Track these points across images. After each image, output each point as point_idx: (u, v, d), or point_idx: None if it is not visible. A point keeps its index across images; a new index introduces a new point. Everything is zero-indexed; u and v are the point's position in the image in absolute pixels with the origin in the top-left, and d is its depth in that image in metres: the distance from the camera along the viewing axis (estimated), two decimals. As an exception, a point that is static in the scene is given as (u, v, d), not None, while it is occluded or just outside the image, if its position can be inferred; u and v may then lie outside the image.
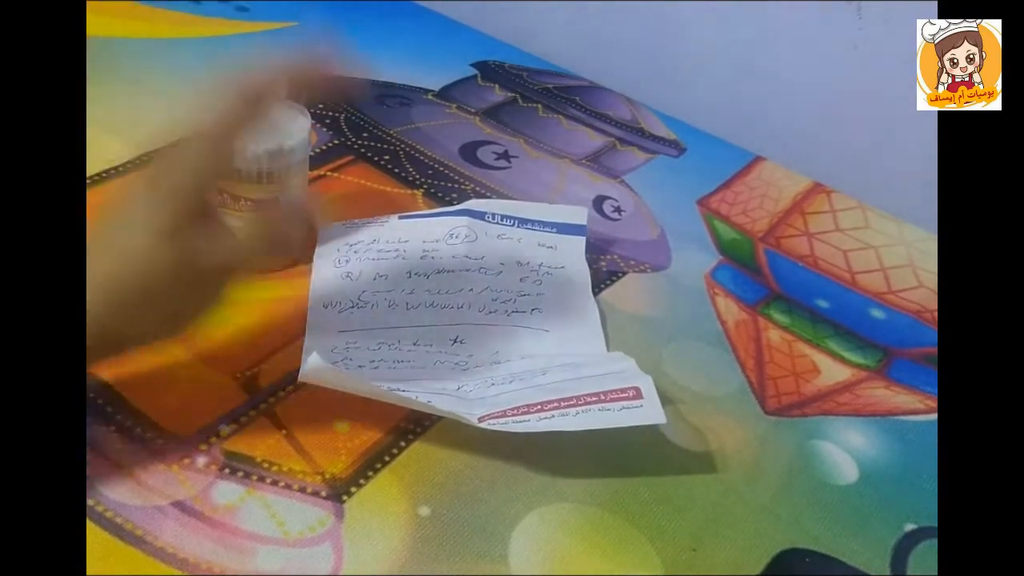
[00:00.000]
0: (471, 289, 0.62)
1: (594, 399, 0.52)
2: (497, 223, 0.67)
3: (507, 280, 0.63)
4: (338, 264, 0.64)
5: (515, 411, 0.51)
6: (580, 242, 0.67)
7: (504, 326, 0.61)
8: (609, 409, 0.51)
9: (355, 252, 0.64)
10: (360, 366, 0.56)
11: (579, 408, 0.51)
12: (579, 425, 0.50)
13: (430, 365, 0.57)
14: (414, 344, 0.59)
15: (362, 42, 0.91)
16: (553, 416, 0.51)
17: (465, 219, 0.66)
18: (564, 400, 0.52)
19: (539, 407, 0.51)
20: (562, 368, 0.56)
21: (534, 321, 0.61)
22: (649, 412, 0.51)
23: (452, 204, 0.71)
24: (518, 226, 0.67)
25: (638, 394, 0.52)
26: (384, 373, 0.56)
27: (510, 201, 0.70)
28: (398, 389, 0.53)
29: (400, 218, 0.67)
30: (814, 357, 0.64)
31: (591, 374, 0.55)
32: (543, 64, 0.93)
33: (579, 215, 0.68)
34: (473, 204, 0.67)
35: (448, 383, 0.55)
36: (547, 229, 0.67)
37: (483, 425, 0.51)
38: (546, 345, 0.60)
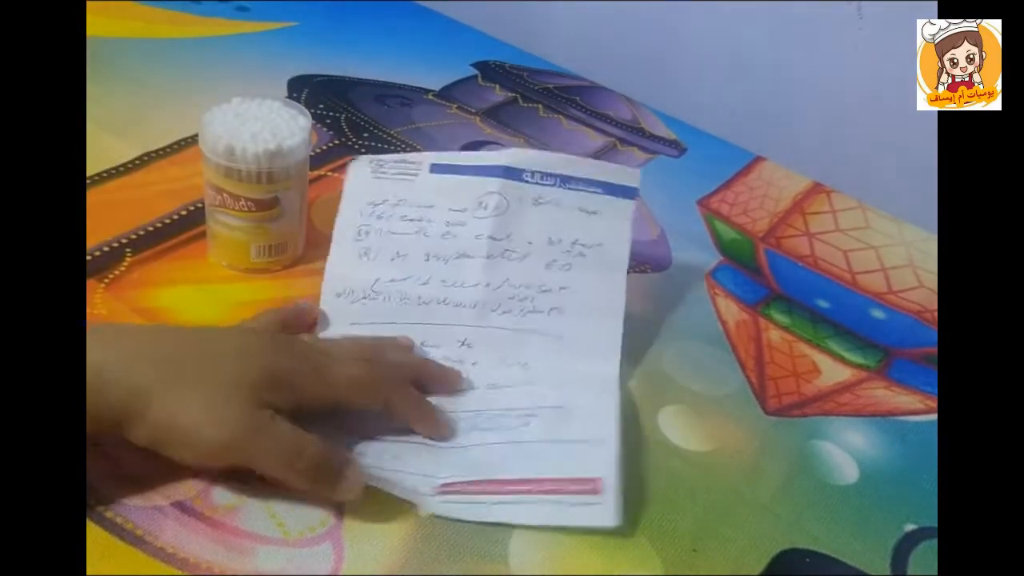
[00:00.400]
0: (488, 284, 0.60)
1: (553, 488, 0.50)
2: (536, 183, 0.62)
3: (531, 268, 0.60)
4: (358, 236, 0.62)
5: (474, 486, 0.51)
6: (628, 207, 0.62)
7: (516, 331, 0.59)
8: (564, 503, 0.50)
9: (378, 218, 0.62)
10: None
11: (535, 497, 0.50)
12: (530, 519, 0.49)
13: None
14: (420, 344, 0.59)
15: (362, 42, 0.91)
16: (507, 503, 0.50)
17: (499, 182, 0.61)
18: (524, 484, 0.51)
19: (496, 487, 0.51)
20: (547, 420, 0.55)
21: (550, 325, 0.59)
22: (604, 512, 0.50)
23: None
24: (560, 185, 0.62)
25: (597, 488, 0.50)
26: None
27: (556, 154, 0.65)
28: (370, 438, 0.53)
29: (432, 169, 0.63)
30: (814, 357, 0.64)
31: (569, 438, 0.53)
32: (544, 64, 0.93)
33: (632, 176, 0.63)
34: (514, 157, 0.62)
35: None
36: (592, 189, 0.62)
37: (438, 504, 0.50)
38: (554, 356, 0.58)
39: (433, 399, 0.55)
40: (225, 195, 0.59)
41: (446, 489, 0.51)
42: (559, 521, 0.49)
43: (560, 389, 0.57)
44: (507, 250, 0.60)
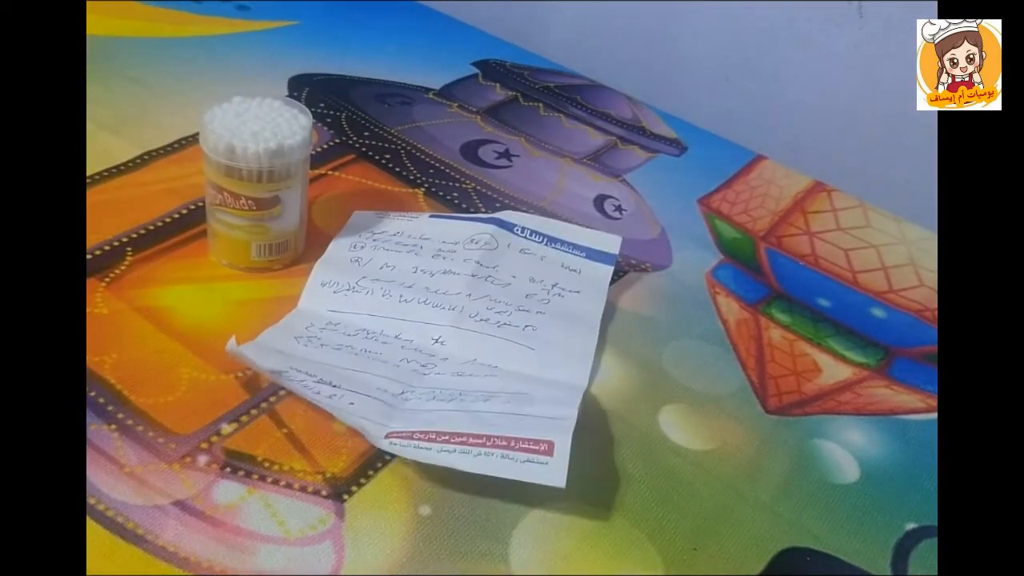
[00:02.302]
0: (469, 294, 0.62)
1: (502, 444, 0.50)
2: (525, 237, 0.66)
3: (511, 293, 0.62)
4: (353, 248, 0.65)
5: (423, 435, 0.51)
6: (607, 271, 0.65)
7: (489, 336, 0.60)
8: (511, 459, 0.49)
9: (374, 240, 0.65)
10: (323, 344, 0.57)
11: (483, 449, 0.50)
12: (474, 468, 0.49)
13: (394, 362, 0.57)
14: (395, 336, 0.59)
15: (363, 41, 0.91)
16: (455, 451, 0.50)
17: (491, 227, 0.66)
18: (473, 437, 0.50)
19: (447, 438, 0.50)
20: (508, 400, 0.55)
21: (523, 338, 0.60)
22: (551, 473, 0.49)
23: (454, 203, 0.72)
24: (546, 244, 0.66)
25: (549, 449, 0.50)
26: (344, 358, 0.56)
27: (546, 218, 0.68)
28: (330, 383, 0.53)
29: (431, 216, 0.68)
30: (815, 356, 0.64)
31: (529, 413, 0.53)
32: (544, 63, 0.93)
33: (612, 243, 0.67)
34: (507, 215, 0.67)
35: (395, 385, 0.55)
36: (575, 252, 0.66)
37: (386, 444, 0.50)
38: (524, 364, 0.58)
39: (391, 375, 0.56)
40: (226, 194, 0.59)
41: (394, 435, 0.51)
42: (504, 474, 0.49)
43: (526, 384, 0.57)
44: (491, 276, 0.63)
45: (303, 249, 0.64)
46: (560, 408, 0.54)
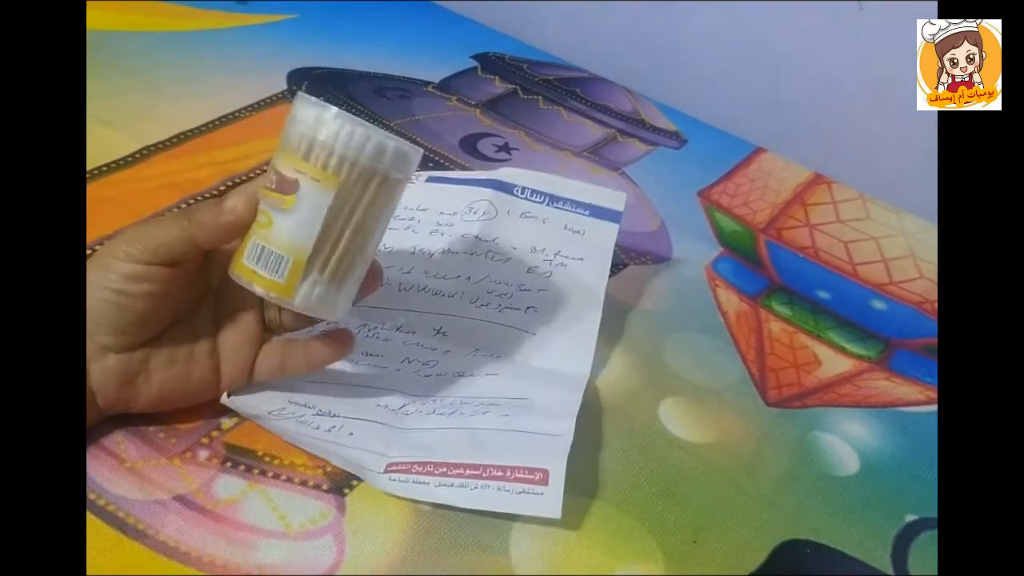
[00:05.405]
0: (468, 277, 0.61)
1: (498, 474, 0.50)
2: (525, 198, 0.64)
3: (512, 270, 0.62)
4: None
5: (421, 467, 0.50)
6: (612, 229, 0.64)
7: (492, 323, 0.60)
8: (507, 491, 0.49)
9: None
10: None
11: (479, 482, 0.49)
12: (471, 503, 0.49)
13: (395, 365, 0.57)
14: (396, 329, 0.59)
15: (362, 34, 0.91)
16: (452, 486, 0.49)
17: (490, 192, 0.64)
18: (470, 468, 0.50)
19: (445, 470, 0.50)
20: (507, 411, 0.54)
21: (525, 322, 0.60)
22: (546, 504, 0.48)
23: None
24: (548, 204, 0.64)
25: (544, 479, 0.49)
26: (343, 371, 0.56)
27: (547, 175, 0.66)
28: (330, 412, 0.53)
29: (428, 179, 0.66)
30: (815, 348, 0.64)
31: (523, 429, 0.53)
32: (543, 56, 0.93)
33: (617, 200, 0.65)
34: (505, 174, 0.65)
35: (396, 397, 0.55)
36: (578, 210, 0.64)
37: (384, 480, 0.50)
38: (526, 353, 0.59)
39: (393, 384, 0.56)
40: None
41: (393, 468, 0.51)
42: (501, 507, 0.49)
43: (527, 383, 0.57)
44: (491, 251, 0.62)
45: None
46: (558, 421, 0.53)
